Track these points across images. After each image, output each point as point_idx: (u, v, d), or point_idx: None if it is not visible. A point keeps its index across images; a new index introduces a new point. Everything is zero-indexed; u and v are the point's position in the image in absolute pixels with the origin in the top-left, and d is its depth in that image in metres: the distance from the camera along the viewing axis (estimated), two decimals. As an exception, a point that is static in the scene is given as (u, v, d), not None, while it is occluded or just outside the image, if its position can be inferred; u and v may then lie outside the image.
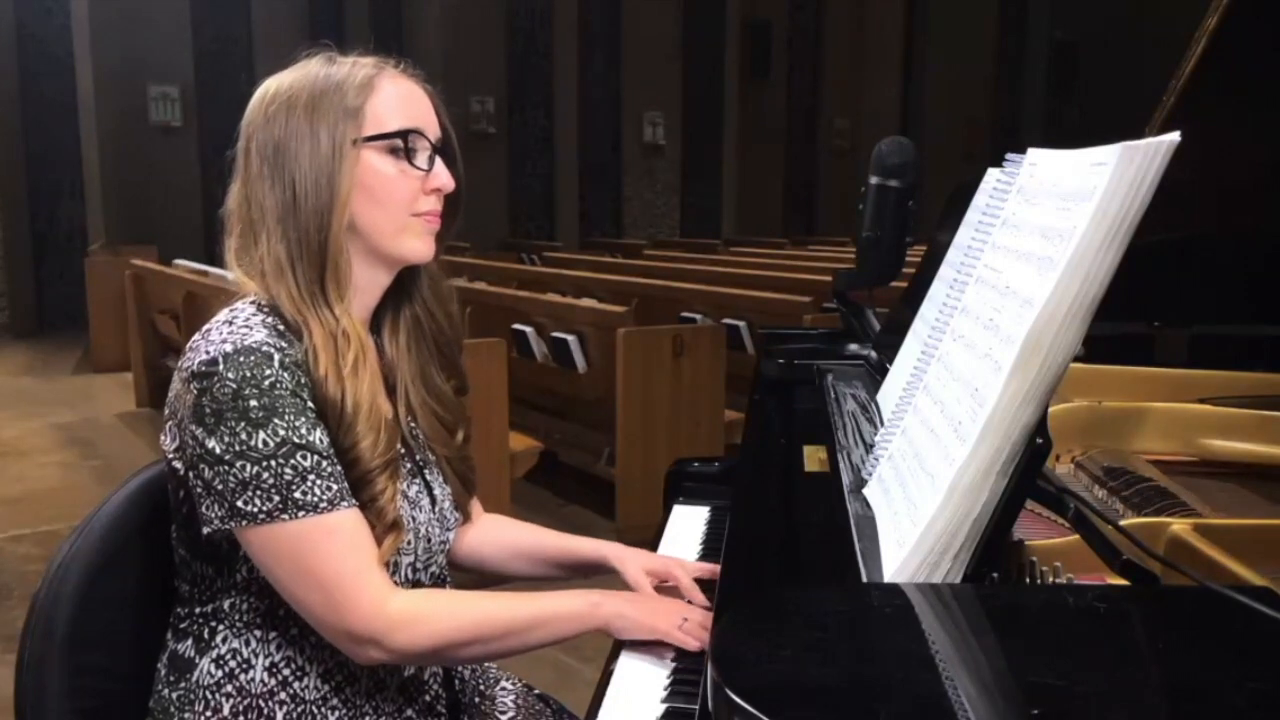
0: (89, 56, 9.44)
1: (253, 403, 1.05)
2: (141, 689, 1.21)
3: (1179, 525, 1.02)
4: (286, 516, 1.06)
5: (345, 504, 1.09)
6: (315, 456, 1.07)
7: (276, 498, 1.06)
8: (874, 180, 1.72)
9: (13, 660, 1.18)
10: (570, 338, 4.20)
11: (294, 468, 1.06)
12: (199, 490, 1.09)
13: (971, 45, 15.28)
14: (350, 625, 1.07)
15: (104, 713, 1.20)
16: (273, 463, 1.05)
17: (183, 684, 1.17)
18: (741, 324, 4.70)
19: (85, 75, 9.52)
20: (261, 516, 1.06)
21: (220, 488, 1.06)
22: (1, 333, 9.47)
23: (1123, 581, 0.86)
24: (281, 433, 1.06)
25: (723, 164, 13.52)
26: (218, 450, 1.06)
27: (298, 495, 1.06)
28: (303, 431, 1.07)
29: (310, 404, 1.09)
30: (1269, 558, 0.97)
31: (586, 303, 4.94)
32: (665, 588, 1.30)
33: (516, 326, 4.55)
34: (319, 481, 1.07)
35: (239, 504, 1.06)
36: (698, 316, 4.91)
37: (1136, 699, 0.66)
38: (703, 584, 1.28)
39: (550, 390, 4.58)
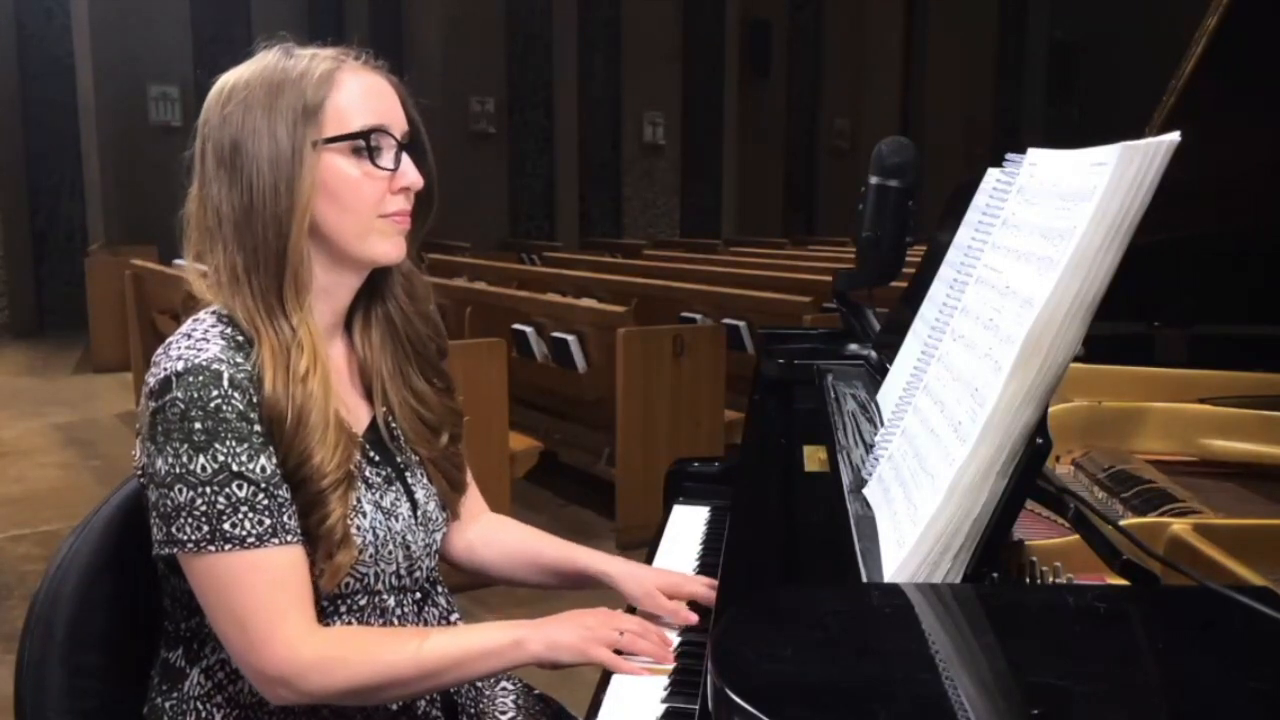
0: (89, 56, 9.44)
1: (196, 425, 1.04)
2: (140, 690, 1.21)
3: (1179, 525, 1.02)
4: (213, 548, 1.05)
5: (276, 540, 1.06)
6: (251, 487, 1.05)
7: (206, 528, 1.04)
8: (874, 180, 1.72)
9: (13, 660, 1.18)
10: (570, 338, 4.20)
11: (227, 497, 1.04)
12: (148, 509, 1.09)
13: (971, 45, 15.28)
14: (262, 665, 1.06)
15: (103, 713, 1.20)
16: (207, 490, 1.04)
17: (175, 694, 1.16)
18: (741, 324, 4.69)
19: (85, 75, 9.52)
20: (190, 546, 1.05)
21: (162, 510, 1.06)
22: (1, 333, 9.48)
23: (1123, 581, 0.86)
24: (221, 458, 1.04)
25: (722, 164, 13.53)
26: (162, 471, 1.05)
27: (226, 527, 1.04)
28: (243, 459, 1.05)
29: (258, 426, 1.07)
30: (1269, 558, 0.97)
31: (586, 303, 4.94)
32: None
33: (516, 326, 4.55)
34: (251, 514, 1.05)
35: (173, 530, 1.05)
36: (698, 316, 4.90)
37: (1136, 699, 0.66)
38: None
39: (550, 390, 4.58)
